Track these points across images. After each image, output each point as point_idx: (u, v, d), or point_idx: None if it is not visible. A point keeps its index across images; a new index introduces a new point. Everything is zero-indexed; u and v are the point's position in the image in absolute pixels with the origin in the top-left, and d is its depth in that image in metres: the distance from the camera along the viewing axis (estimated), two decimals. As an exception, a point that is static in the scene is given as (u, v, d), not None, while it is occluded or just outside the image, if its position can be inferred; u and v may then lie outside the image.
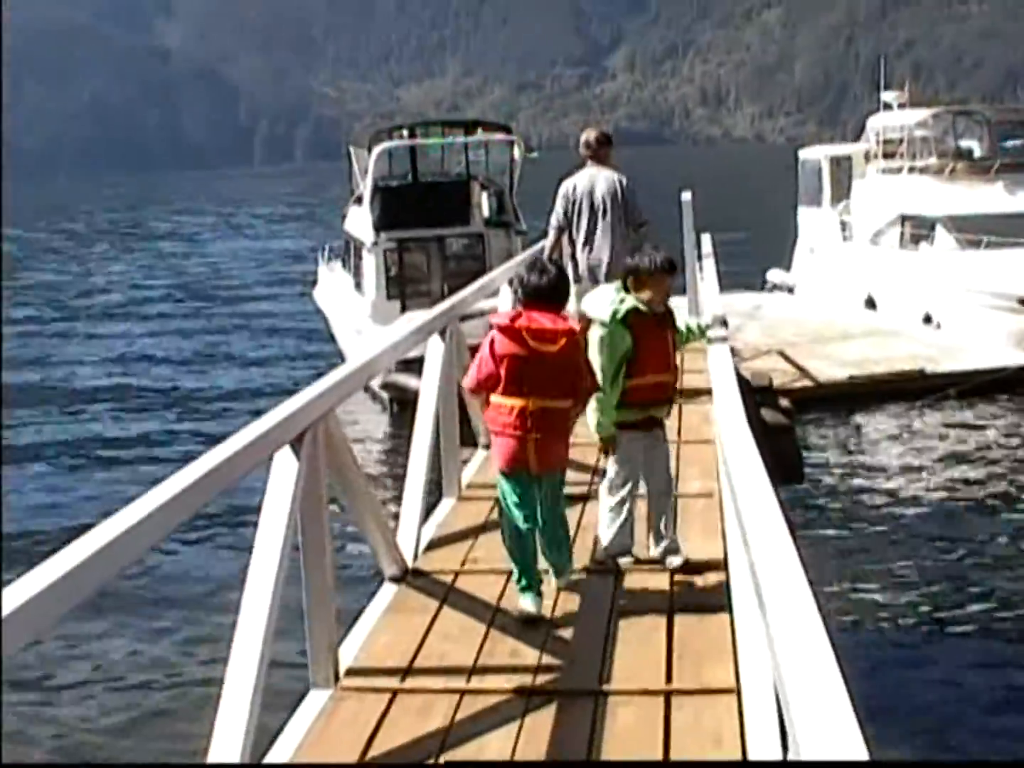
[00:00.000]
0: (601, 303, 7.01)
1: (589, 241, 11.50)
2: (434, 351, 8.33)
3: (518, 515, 6.47)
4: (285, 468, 5.14)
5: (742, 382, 8.18)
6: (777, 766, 4.05)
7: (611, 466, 7.22)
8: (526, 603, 6.40)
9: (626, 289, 6.97)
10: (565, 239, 11.66)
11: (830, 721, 2.20)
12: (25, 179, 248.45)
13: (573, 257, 11.56)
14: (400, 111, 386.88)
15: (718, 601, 6.18)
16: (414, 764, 4.85)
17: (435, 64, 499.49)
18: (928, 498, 16.94)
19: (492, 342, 6.34)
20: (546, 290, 6.36)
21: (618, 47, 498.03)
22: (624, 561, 7.08)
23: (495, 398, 6.40)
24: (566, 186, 11.64)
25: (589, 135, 11.79)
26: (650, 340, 6.91)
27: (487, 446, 8.63)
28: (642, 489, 7.19)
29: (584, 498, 8.19)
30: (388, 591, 6.77)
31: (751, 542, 3.43)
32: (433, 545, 7.60)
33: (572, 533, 7.02)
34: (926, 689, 11.12)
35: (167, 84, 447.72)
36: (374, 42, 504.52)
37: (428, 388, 8.17)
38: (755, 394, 12.38)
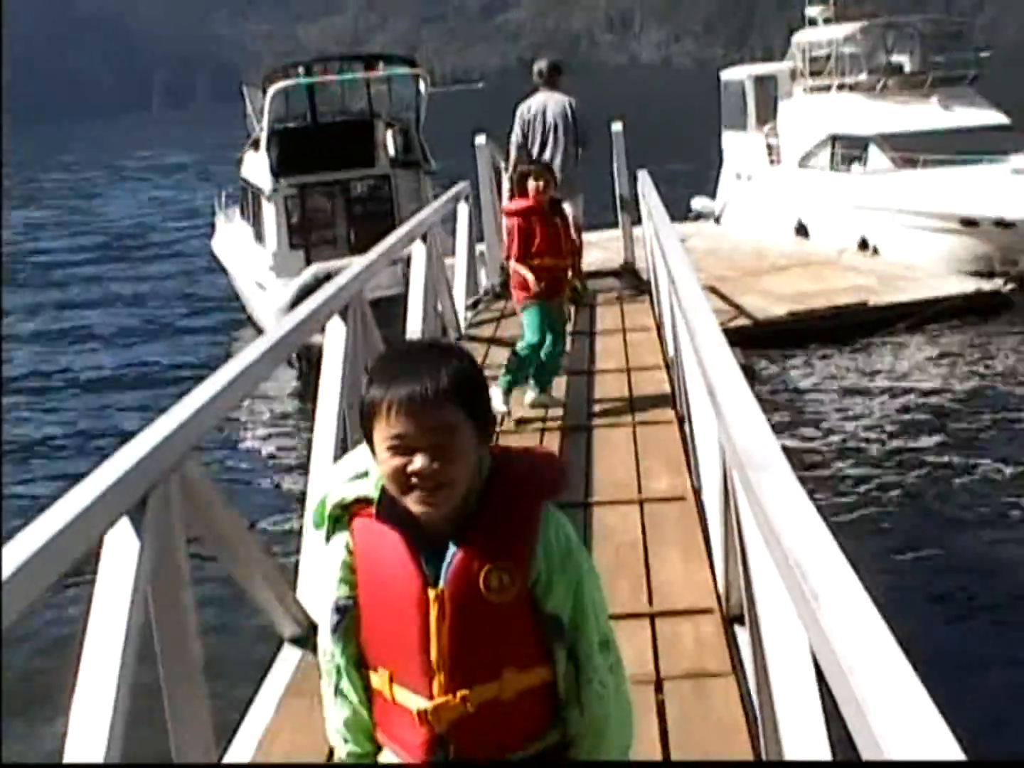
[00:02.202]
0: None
1: (541, 156, 12.85)
2: (334, 337, 6.84)
3: (535, 339, 8.94)
4: (121, 548, 3.59)
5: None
6: (783, 766, 3.61)
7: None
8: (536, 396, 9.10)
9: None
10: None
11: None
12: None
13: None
14: (299, 50, 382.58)
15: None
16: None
17: (334, 0, 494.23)
18: (886, 444, 15.67)
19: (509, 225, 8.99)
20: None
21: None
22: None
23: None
24: (522, 108, 13.21)
25: (541, 64, 13.37)
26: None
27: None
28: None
29: None
30: (290, 658, 5.34)
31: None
32: None
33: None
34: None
35: (66, 30, 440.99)
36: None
37: (330, 382, 6.65)
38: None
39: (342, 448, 6.29)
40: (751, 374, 12.81)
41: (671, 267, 7.54)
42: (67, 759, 3.20)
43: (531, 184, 8.82)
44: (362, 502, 2.56)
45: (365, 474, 2.57)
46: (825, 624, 2.19)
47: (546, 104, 13.08)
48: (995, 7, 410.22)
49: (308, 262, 21.80)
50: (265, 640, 5.60)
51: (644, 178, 14.43)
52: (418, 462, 2.41)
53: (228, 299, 27.96)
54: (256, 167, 24.02)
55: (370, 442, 2.50)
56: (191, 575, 4.07)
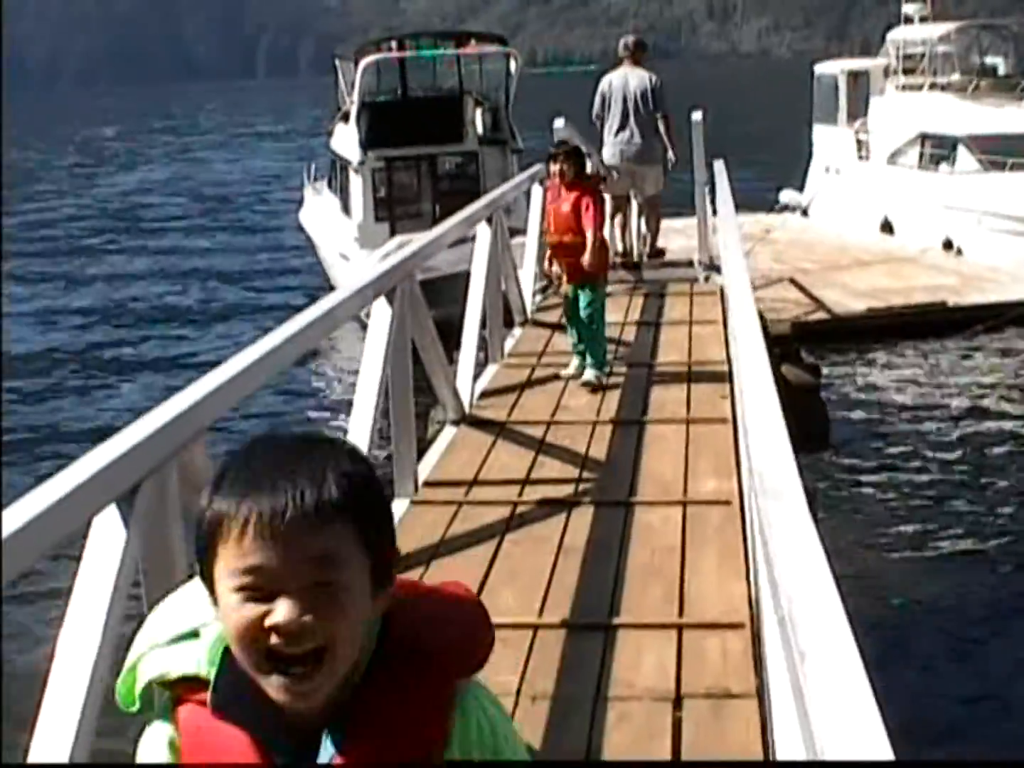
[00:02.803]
0: None
1: (622, 129, 13.87)
2: (379, 321, 6.78)
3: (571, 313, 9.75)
4: (106, 537, 3.47)
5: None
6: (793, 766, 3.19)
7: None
8: (571, 367, 9.76)
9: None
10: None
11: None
12: (27, 89, 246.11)
13: (601, 145, 14.12)
14: (405, 24, 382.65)
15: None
16: None
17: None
18: (953, 446, 15.39)
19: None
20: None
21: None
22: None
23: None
24: (603, 82, 14.12)
25: (627, 39, 14.36)
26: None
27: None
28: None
29: None
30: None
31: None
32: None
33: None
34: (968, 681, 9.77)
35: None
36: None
37: (369, 372, 6.60)
38: (775, 346, 11.07)
39: (384, 440, 6.40)
40: (816, 372, 12.74)
41: (726, 267, 7.51)
42: (32, 757, 3.04)
43: (552, 167, 9.51)
44: (191, 681, 1.74)
45: (195, 634, 1.76)
46: (807, 683, 2.08)
47: (627, 78, 14.00)
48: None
49: (393, 235, 21.93)
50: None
51: (720, 168, 14.40)
52: (282, 612, 1.61)
53: (313, 271, 28.20)
54: (345, 140, 24.14)
55: (208, 580, 1.68)
56: (187, 566, 3.74)
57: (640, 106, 13.96)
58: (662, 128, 14.19)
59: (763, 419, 3.72)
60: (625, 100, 13.95)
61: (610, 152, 14.26)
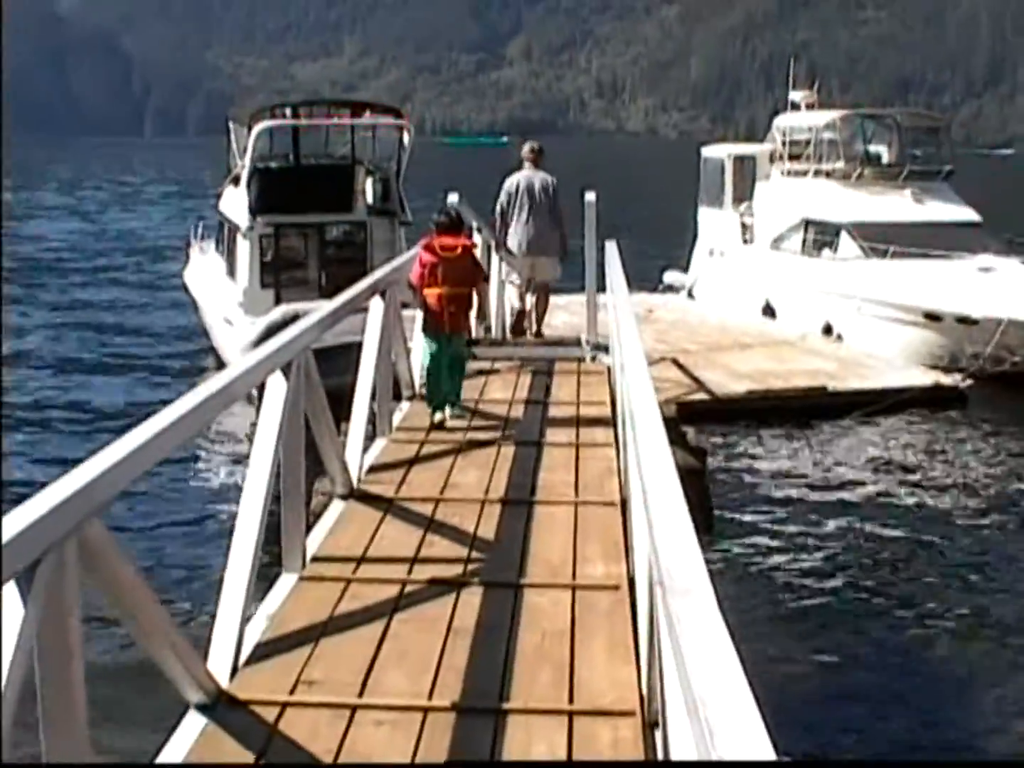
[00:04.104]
0: None
1: (526, 223, 15.47)
2: (273, 394, 6.70)
3: (435, 361, 10.92)
4: (6, 615, 3.42)
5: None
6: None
7: None
8: (436, 416, 10.75)
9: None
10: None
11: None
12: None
13: (506, 236, 15.55)
14: (295, 89, 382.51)
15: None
16: None
17: (332, 42, 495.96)
18: (827, 529, 15.60)
19: (419, 257, 10.95)
20: (447, 224, 11.04)
21: (516, 35, 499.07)
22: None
23: (426, 290, 10.87)
24: (509, 182, 15.66)
25: (533, 144, 16.17)
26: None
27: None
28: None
29: None
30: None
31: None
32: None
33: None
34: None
35: (61, 48, 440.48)
36: (272, 17, 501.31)
37: (263, 444, 6.48)
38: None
39: (271, 514, 6.32)
40: (702, 455, 12.83)
41: (622, 346, 7.54)
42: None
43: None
44: None
45: None
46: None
47: (532, 180, 15.57)
48: (974, 105, 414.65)
49: (278, 302, 21.80)
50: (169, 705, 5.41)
51: (611, 248, 14.60)
52: None
53: (194, 332, 27.92)
54: (235, 203, 23.99)
55: None
56: (83, 642, 3.86)
57: (542, 204, 15.48)
58: (558, 224, 15.69)
59: (666, 507, 3.70)
60: (531, 198, 15.45)
61: (515, 242, 15.59)
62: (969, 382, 21.94)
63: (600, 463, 9.27)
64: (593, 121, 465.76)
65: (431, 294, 10.83)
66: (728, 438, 19.28)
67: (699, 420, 17.99)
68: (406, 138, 24.48)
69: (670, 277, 33.56)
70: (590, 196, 16.06)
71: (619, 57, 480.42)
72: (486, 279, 12.13)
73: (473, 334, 12.70)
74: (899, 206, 26.53)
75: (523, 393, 12.24)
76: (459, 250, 10.83)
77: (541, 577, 6.87)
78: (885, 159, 28.79)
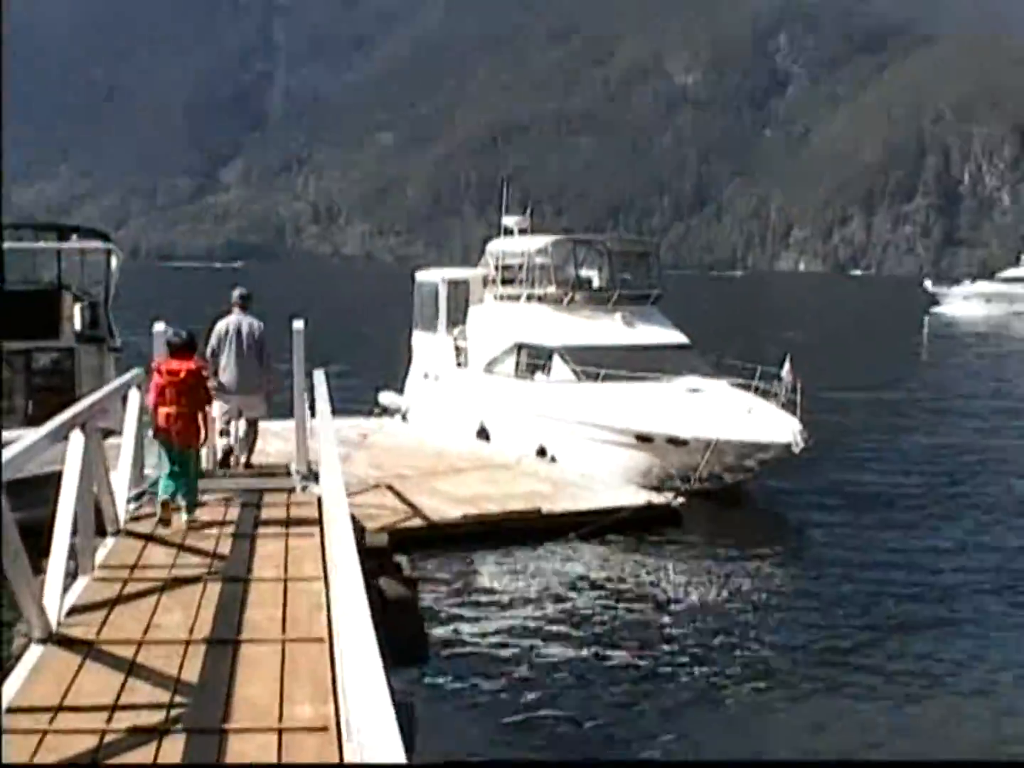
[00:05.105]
0: None
1: (235, 365, 16.38)
2: None
3: (166, 469, 12.17)
4: None
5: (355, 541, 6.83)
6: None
7: None
8: (161, 509, 11.83)
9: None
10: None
11: None
12: None
13: (216, 374, 16.12)
14: (9, 212, 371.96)
15: None
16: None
17: (49, 165, 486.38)
18: (564, 660, 15.56)
19: (153, 377, 12.33)
20: (178, 346, 12.60)
21: (234, 160, 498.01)
22: None
23: (159, 408, 12.22)
24: (219, 326, 16.63)
25: (242, 291, 16.94)
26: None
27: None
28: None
29: None
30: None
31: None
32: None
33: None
34: None
35: None
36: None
37: None
38: (372, 558, 11.00)
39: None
40: (413, 585, 12.74)
41: (323, 478, 7.45)
42: None
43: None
44: None
45: None
46: None
47: (240, 324, 16.58)
48: (682, 227, 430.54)
49: (-20, 432, 21.03)
50: None
51: (319, 377, 14.57)
52: None
53: None
54: (-65, 332, 23.18)
55: None
56: None
57: (250, 347, 16.49)
58: (264, 365, 16.69)
59: (357, 645, 3.72)
60: (239, 340, 16.46)
61: (226, 381, 16.39)
62: (681, 500, 22.40)
63: (309, 598, 9.11)
64: (311, 245, 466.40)
65: (162, 413, 12.23)
66: (444, 564, 19.18)
67: (415, 547, 17.89)
68: (114, 263, 23.98)
69: (387, 399, 33.56)
70: (298, 324, 16.25)
71: (336, 182, 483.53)
72: (210, 401, 13.49)
73: (202, 454, 13.90)
74: (610, 330, 27.08)
75: (231, 527, 11.99)
76: (183, 373, 12.27)
77: (247, 721, 6.66)
78: (596, 283, 29.37)
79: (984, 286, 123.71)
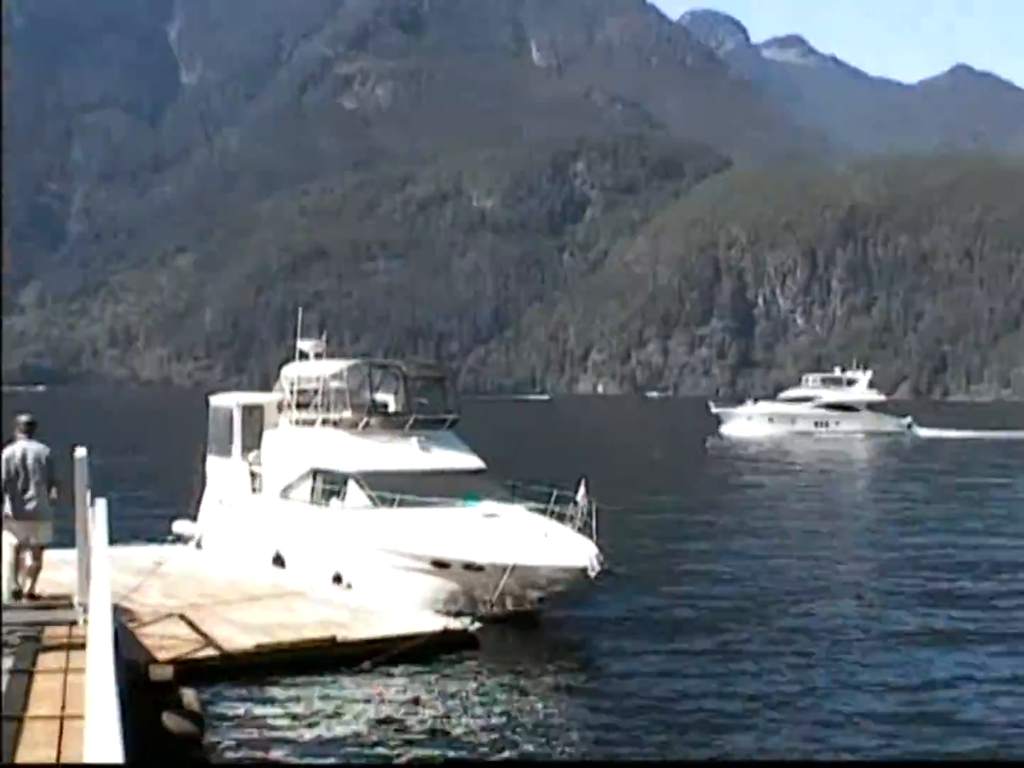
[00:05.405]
0: None
1: (25, 491, 16.69)
2: None
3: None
4: None
5: (139, 677, 6.58)
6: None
7: None
8: None
9: None
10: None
11: None
12: None
13: (2, 502, 16.44)
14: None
15: None
16: None
17: None
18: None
19: None
20: None
21: (29, 283, 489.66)
22: None
23: None
24: (7, 452, 16.93)
25: (27, 417, 17.36)
26: None
27: None
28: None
29: None
30: None
31: None
32: None
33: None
34: None
35: None
36: None
37: None
38: (155, 692, 10.63)
39: None
40: (199, 720, 12.36)
41: (91, 613, 7.19)
42: None
43: None
44: None
45: None
46: None
47: (27, 450, 17.09)
48: (481, 352, 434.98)
49: None
50: None
51: (100, 506, 14.33)
52: None
53: None
54: None
55: None
56: None
57: (37, 472, 16.94)
58: (55, 490, 17.20)
59: None
60: (26, 467, 16.88)
61: (18, 508, 16.72)
62: (478, 625, 22.33)
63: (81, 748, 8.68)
64: (107, 369, 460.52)
65: None
66: (236, 696, 18.73)
67: (206, 678, 17.53)
68: None
69: (179, 527, 32.88)
70: (80, 452, 15.94)
71: (133, 306, 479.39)
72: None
73: None
74: (406, 454, 27.00)
75: (7, 662, 11.49)
76: None
77: None
78: (392, 407, 29.34)
79: (766, 406, 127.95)
